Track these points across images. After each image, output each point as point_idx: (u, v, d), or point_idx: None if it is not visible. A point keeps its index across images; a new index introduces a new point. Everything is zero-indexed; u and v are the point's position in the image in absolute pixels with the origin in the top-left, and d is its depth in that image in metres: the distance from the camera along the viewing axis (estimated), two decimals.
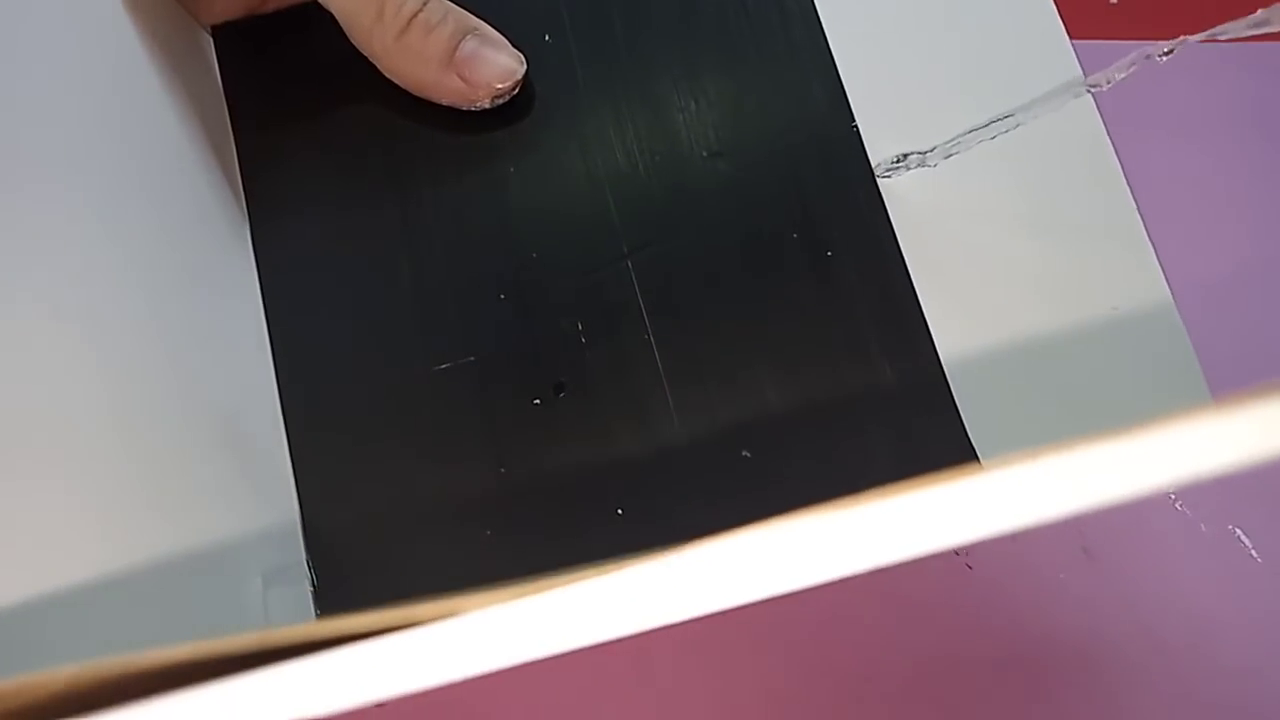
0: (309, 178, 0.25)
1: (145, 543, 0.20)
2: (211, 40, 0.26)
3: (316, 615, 0.22)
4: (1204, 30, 0.20)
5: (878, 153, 0.24)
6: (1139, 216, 0.24)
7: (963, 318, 0.23)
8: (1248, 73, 0.27)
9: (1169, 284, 0.23)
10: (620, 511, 0.23)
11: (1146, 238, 0.23)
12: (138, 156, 0.23)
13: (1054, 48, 0.25)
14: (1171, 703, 0.26)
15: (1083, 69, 0.25)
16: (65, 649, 0.18)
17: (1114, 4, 0.27)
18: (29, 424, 0.19)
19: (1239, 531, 0.28)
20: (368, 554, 0.23)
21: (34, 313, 0.19)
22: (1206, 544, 0.28)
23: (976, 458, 0.22)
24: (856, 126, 0.24)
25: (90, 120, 0.22)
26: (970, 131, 0.23)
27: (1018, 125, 0.22)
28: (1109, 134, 0.24)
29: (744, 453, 0.23)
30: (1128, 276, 0.23)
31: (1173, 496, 0.28)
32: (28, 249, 0.20)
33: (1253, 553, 0.28)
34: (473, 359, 0.24)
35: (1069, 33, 0.25)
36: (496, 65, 0.24)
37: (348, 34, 0.24)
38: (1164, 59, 0.21)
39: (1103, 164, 0.24)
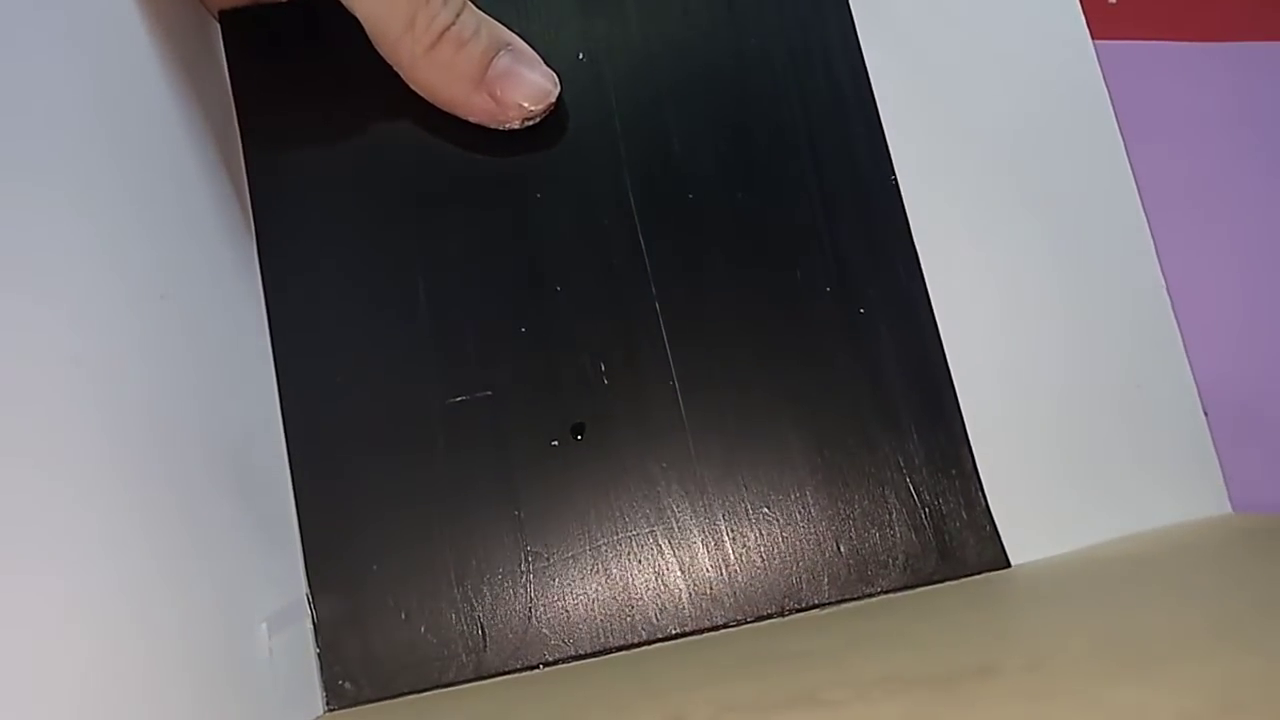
0: (321, 193, 0.24)
1: (145, 578, 0.19)
2: (220, 30, 0.24)
3: (318, 653, 0.22)
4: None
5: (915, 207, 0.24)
6: (1168, 299, 0.24)
7: (992, 388, 0.23)
8: (1248, 73, 0.27)
9: (1169, 288, 0.24)
10: (639, 562, 0.22)
11: (1175, 323, 0.24)
12: (139, 172, 0.21)
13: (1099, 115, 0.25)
14: None
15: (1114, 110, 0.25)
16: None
17: (1113, 4, 0.27)
18: (22, 461, 0.17)
19: None
20: (372, 593, 0.22)
21: (23, 340, 0.18)
22: None
23: (996, 529, 0.22)
24: (896, 180, 0.24)
25: (89, 125, 0.20)
26: None
27: None
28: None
29: (764, 509, 0.22)
30: (1155, 356, 0.24)
31: None
32: (12, 262, 0.18)
33: None
34: (489, 393, 0.23)
35: None
36: (529, 84, 0.23)
37: (373, 41, 0.22)
38: None
39: (1136, 242, 0.24)
